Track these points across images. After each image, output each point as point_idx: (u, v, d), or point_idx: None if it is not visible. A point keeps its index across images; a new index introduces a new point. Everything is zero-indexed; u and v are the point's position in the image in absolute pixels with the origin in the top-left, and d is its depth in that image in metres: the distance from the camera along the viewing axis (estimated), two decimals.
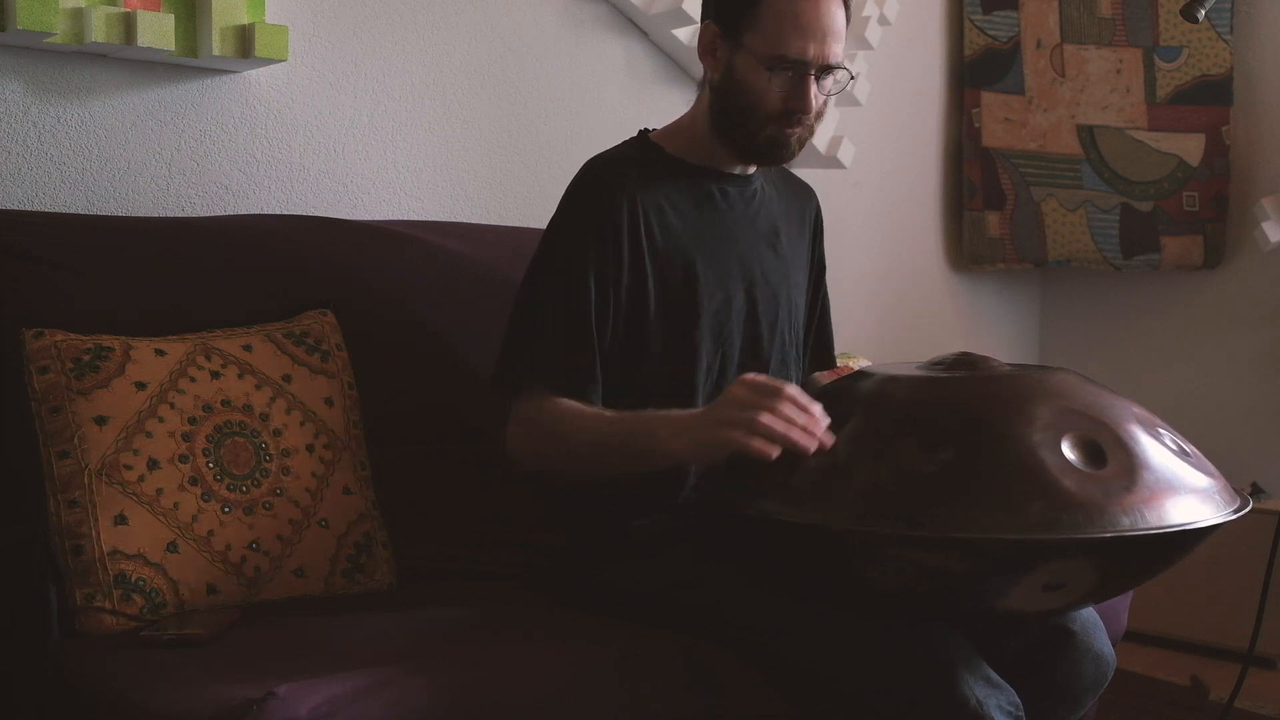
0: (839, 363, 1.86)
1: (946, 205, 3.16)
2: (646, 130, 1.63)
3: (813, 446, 1.27)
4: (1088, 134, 2.99)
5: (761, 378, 1.31)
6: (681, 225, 1.54)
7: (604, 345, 1.48)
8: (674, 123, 1.63)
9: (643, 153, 1.59)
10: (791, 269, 1.66)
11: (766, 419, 1.26)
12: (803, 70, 1.48)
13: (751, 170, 1.62)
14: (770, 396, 1.28)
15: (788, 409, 1.27)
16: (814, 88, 1.49)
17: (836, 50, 1.49)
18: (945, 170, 3.15)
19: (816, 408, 1.30)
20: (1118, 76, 2.96)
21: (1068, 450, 1.21)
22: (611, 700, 1.30)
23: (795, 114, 1.50)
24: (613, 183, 1.52)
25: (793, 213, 1.69)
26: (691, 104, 1.61)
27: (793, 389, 1.29)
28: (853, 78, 1.53)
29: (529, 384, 1.47)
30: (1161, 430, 1.30)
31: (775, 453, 1.27)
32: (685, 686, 1.36)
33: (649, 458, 1.38)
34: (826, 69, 1.49)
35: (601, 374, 1.48)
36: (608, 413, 1.44)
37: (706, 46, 1.54)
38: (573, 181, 1.56)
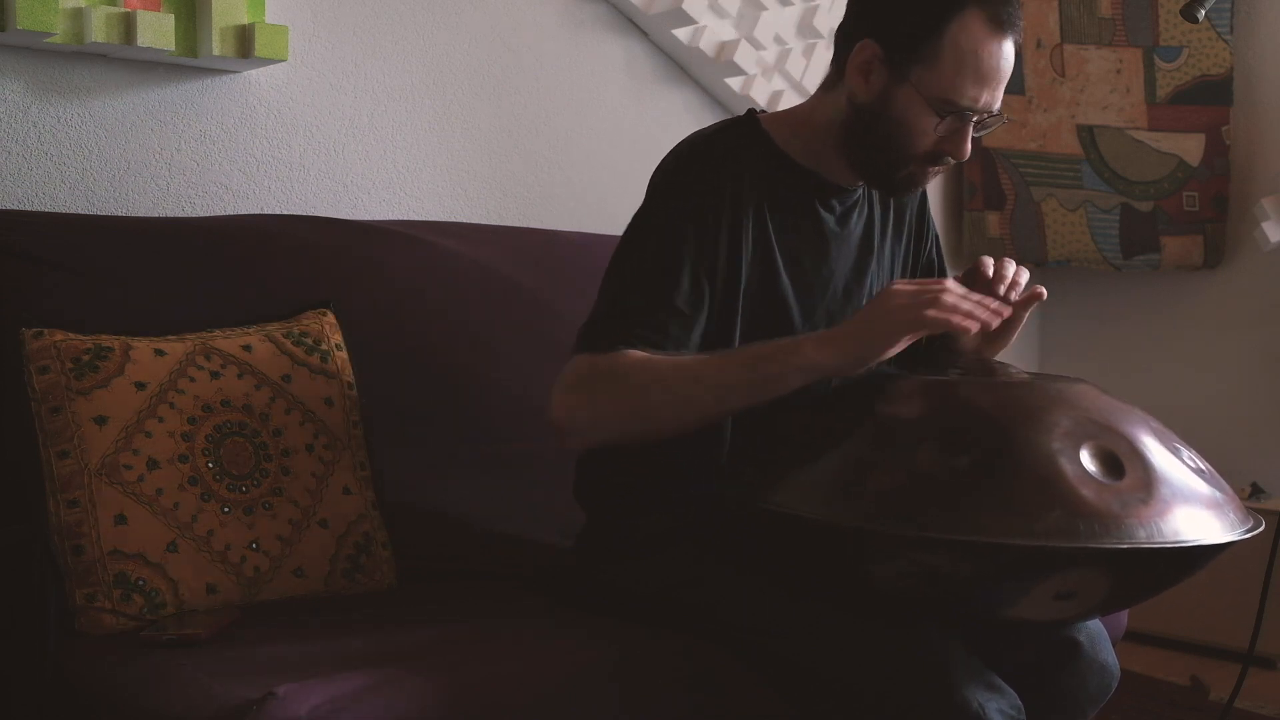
0: None
1: (946, 205, 3.16)
2: (754, 111, 1.52)
3: (995, 321, 1.30)
4: (1088, 134, 2.99)
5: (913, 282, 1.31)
6: (775, 233, 1.46)
7: (697, 320, 1.39)
8: (788, 111, 1.53)
9: (748, 142, 1.47)
10: (881, 281, 1.57)
11: (948, 297, 1.27)
12: (968, 118, 1.37)
13: (859, 181, 1.51)
14: (933, 285, 1.28)
15: (956, 291, 1.28)
16: (970, 133, 1.39)
17: (1001, 95, 1.39)
18: (945, 170, 3.15)
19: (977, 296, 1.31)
20: (1118, 76, 2.96)
21: (1086, 460, 1.21)
22: (611, 700, 1.30)
23: (946, 158, 1.41)
24: (713, 179, 1.41)
25: (890, 218, 1.59)
26: (812, 98, 1.51)
27: (949, 281, 1.30)
28: (1007, 120, 1.44)
29: (607, 341, 1.34)
30: (1179, 445, 1.30)
31: (973, 327, 1.29)
32: (685, 686, 1.36)
33: (780, 379, 1.30)
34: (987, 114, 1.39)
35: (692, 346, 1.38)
36: (700, 353, 1.35)
37: (861, 66, 1.40)
38: (673, 162, 1.46)
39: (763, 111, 1.54)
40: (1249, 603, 2.03)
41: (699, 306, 1.39)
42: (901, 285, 1.30)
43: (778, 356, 1.31)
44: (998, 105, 1.40)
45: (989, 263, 1.45)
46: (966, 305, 1.29)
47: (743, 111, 1.54)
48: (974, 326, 1.30)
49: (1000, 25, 1.35)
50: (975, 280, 1.44)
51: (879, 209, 1.58)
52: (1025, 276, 1.46)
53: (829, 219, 1.51)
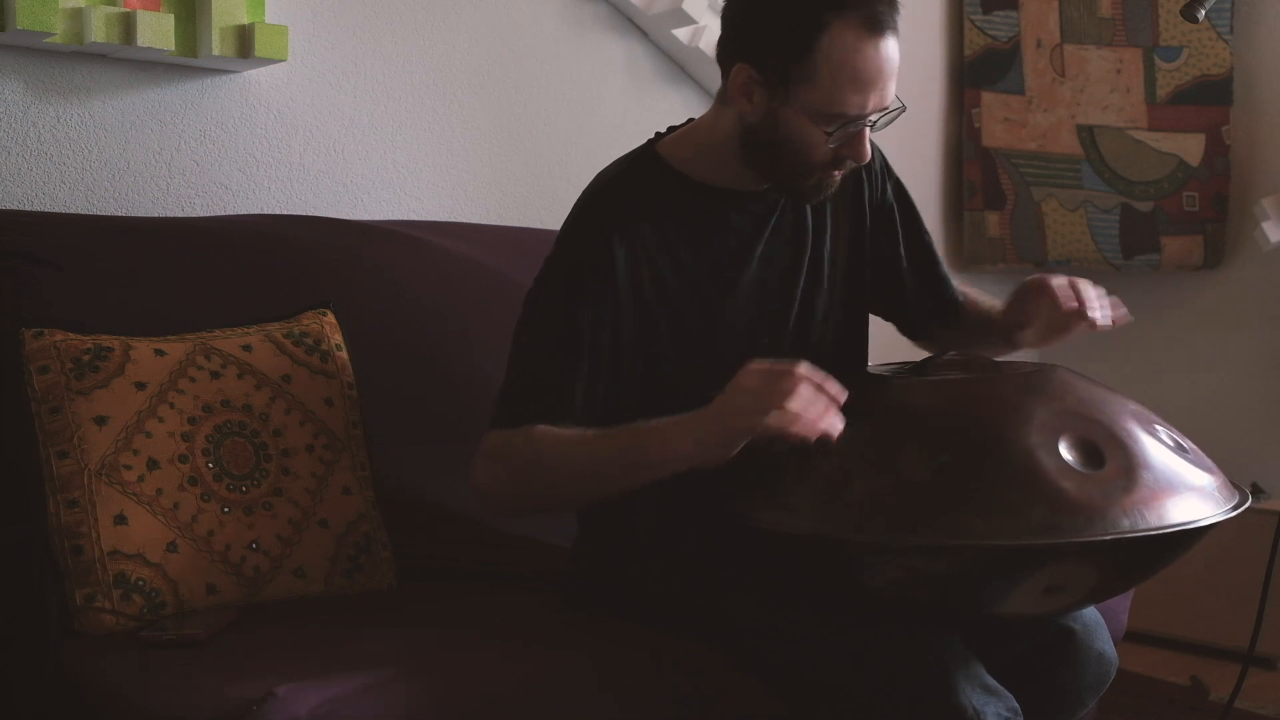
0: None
1: (946, 205, 3.16)
2: (658, 136, 1.52)
3: (834, 432, 1.22)
4: (1088, 134, 2.99)
5: (768, 364, 1.23)
6: (693, 259, 1.44)
7: (599, 386, 1.39)
8: (685, 131, 1.50)
9: (650, 175, 1.46)
10: (830, 268, 1.55)
11: (794, 403, 1.19)
12: (860, 124, 1.35)
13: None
14: (783, 379, 1.20)
15: (806, 390, 1.21)
16: (868, 133, 1.38)
17: (893, 89, 1.36)
18: (945, 170, 3.15)
19: (833, 385, 1.23)
20: (1118, 76, 2.96)
21: (1065, 452, 1.21)
22: (611, 701, 1.30)
23: (848, 162, 1.39)
24: (608, 237, 1.39)
25: (831, 202, 1.53)
26: (706, 111, 1.49)
27: (804, 368, 1.22)
28: (903, 109, 1.39)
29: (517, 416, 1.36)
30: (1158, 427, 1.30)
31: (810, 436, 1.21)
32: (684, 688, 1.36)
33: (655, 467, 1.29)
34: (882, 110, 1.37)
35: (600, 410, 1.38)
36: (594, 431, 1.34)
37: (740, 88, 1.37)
38: (571, 217, 1.46)
39: (665, 134, 1.51)
40: (1249, 603, 2.03)
41: (600, 369, 1.39)
42: (754, 370, 1.24)
43: (651, 446, 1.29)
44: (890, 100, 1.36)
45: (1063, 289, 1.44)
46: (812, 412, 1.21)
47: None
48: (811, 436, 1.22)
49: (872, 28, 1.32)
50: (1039, 299, 1.45)
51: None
52: (1098, 295, 1.46)
53: (745, 223, 1.48)
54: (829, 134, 1.35)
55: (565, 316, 1.39)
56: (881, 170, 1.61)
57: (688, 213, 1.45)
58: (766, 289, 1.50)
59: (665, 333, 1.43)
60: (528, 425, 1.35)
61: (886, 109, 1.37)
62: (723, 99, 1.44)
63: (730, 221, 1.48)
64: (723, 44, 1.42)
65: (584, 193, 1.48)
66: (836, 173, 1.42)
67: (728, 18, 1.41)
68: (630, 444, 1.32)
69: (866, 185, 1.59)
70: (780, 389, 1.20)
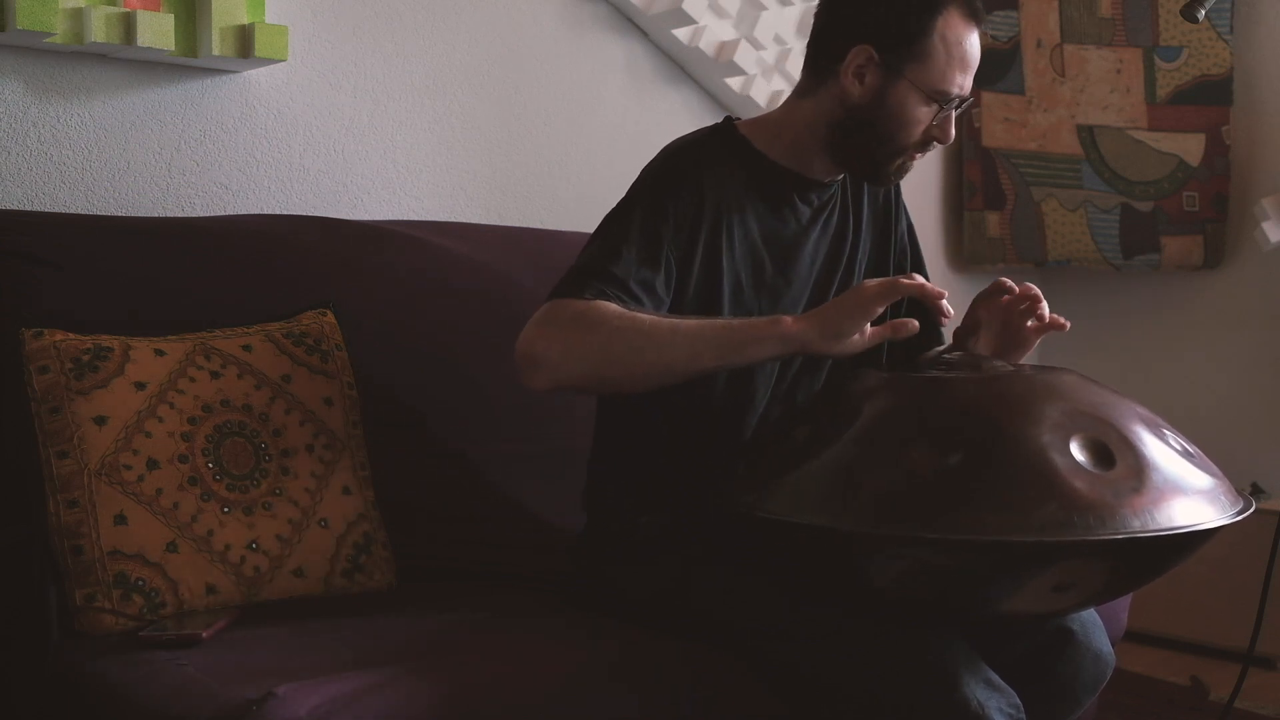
0: None
1: (946, 205, 3.16)
2: (731, 118, 1.59)
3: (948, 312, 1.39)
4: (1088, 134, 2.99)
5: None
6: (758, 229, 1.52)
7: (665, 304, 1.44)
8: (762, 118, 1.60)
9: (728, 146, 1.54)
10: (859, 268, 1.64)
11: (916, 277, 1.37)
12: (955, 104, 1.49)
13: (839, 175, 1.59)
14: (899, 277, 1.37)
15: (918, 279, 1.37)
16: (954, 118, 1.51)
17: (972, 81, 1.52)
18: (945, 170, 3.15)
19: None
20: (1118, 76, 2.96)
21: (1077, 451, 1.21)
22: (611, 701, 1.30)
23: (933, 144, 1.51)
24: (696, 178, 1.48)
25: (865, 206, 1.65)
26: (785, 104, 1.58)
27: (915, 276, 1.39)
28: (973, 100, 1.54)
29: (587, 291, 1.38)
30: (1165, 431, 1.31)
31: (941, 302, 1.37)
32: (685, 689, 1.36)
33: (755, 343, 1.37)
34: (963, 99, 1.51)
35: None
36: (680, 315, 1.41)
37: (856, 70, 1.48)
38: (653, 167, 1.52)
39: (738, 119, 1.60)
40: (1249, 603, 2.03)
41: (668, 291, 1.45)
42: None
43: (757, 324, 1.39)
44: (969, 89, 1.52)
45: (1009, 283, 1.53)
46: (932, 286, 1.39)
47: (742, 111, 1.56)
48: (941, 301, 1.38)
49: (974, 16, 1.49)
50: (992, 298, 1.53)
51: (853, 200, 1.64)
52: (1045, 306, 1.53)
53: (806, 211, 1.57)
54: (934, 111, 1.48)
55: (646, 225, 1.45)
56: (898, 202, 1.71)
57: (760, 186, 1.54)
58: (809, 276, 1.58)
59: (726, 287, 1.50)
60: (599, 300, 1.37)
61: (966, 98, 1.51)
62: (806, 92, 1.55)
63: (795, 205, 1.57)
64: (835, 31, 1.52)
65: (664, 156, 1.53)
66: (918, 155, 1.54)
67: (844, 5, 1.52)
68: (733, 321, 1.41)
69: (894, 206, 1.69)
70: (896, 277, 1.38)
